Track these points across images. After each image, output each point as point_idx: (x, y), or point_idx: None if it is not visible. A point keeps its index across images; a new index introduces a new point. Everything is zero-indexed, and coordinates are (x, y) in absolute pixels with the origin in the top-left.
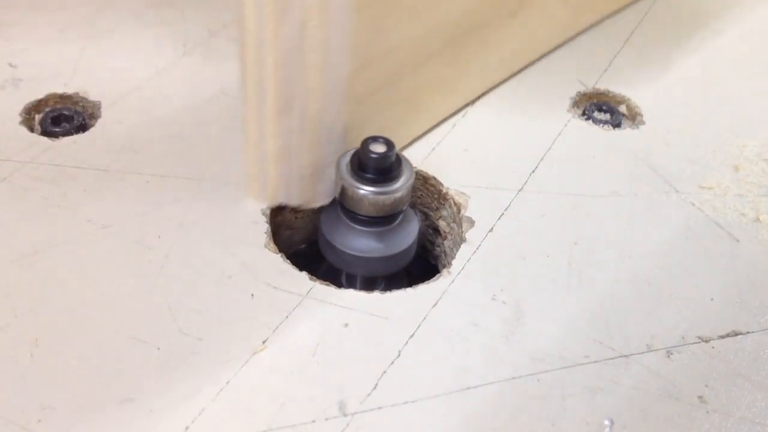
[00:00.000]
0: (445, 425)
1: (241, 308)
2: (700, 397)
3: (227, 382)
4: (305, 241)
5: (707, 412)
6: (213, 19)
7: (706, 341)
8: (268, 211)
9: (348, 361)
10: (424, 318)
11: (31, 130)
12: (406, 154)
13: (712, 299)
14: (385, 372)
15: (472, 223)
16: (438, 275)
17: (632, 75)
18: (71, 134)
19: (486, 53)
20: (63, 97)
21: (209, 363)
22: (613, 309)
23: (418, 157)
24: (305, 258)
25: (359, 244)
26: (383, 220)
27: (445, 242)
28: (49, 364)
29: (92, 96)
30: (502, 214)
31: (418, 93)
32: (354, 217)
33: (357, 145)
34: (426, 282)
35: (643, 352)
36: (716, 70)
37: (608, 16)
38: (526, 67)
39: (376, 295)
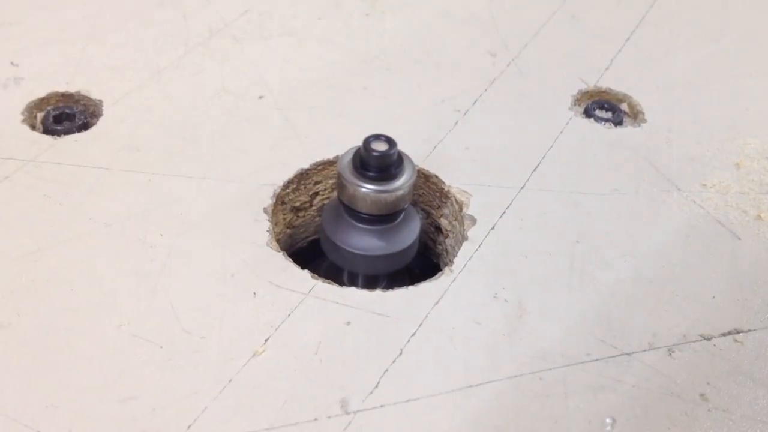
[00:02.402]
0: (447, 423)
1: (243, 306)
2: (701, 395)
3: (229, 381)
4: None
5: (709, 410)
6: (214, 18)
7: (708, 339)
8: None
9: (350, 360)
10: (426, 316)
11: (33, 128)
12: (408, 152)
13: (713, 297)
14: (387, 370)
15: (473, 221)
16: (440, 273)
17: (634, 73)
18: (73, 133)
19: None
20: (65, 96)
21: (211, 361)
22: (615, 307)
23: (420, 155)
24: (307, 256)
25: (361, 242)
26: (385, 218)
27: (446, 240)
28: (52, 363)
29: (94, 94)
30: (504, 212)
31: None
32: (356, 215)
33: None
34: (428, 280)
35: (644, 350)
36: (718, 68)
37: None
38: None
39: (377, 294)
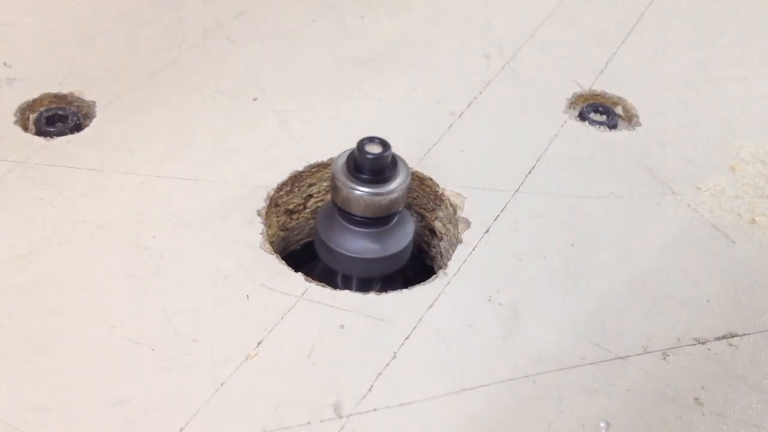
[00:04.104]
0: (440, 427)
1: (236, 309)
2: (696, 399)
3: (222, 384)
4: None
5: (703, 414)
6: (208, 20)
7: (703, 343)
8: (263, 211)
9: (343, 363)
10: (420, 319)
11: (26, 129)
12: (402, 154)
13: (708, 301)
14: (380, 374)
15: (468, 224)
16: (434, 276)
17: (629, 76)
18: (66, 134)
19: None
20: (57, 97)
21: (204, 364)
22: (609, 310)
23: (415, 157)
24: (301, 259)
25: (355, 245)
26: (379, 221)
27: (441, 243)
28: (44, 365)
29: (87, 96)
30: (499, 215)
31: None
32: (350, 217)
33: None
34: (422, 283)
35: (639, 354)
36: (713, 71)
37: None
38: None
39: (371, 297)
